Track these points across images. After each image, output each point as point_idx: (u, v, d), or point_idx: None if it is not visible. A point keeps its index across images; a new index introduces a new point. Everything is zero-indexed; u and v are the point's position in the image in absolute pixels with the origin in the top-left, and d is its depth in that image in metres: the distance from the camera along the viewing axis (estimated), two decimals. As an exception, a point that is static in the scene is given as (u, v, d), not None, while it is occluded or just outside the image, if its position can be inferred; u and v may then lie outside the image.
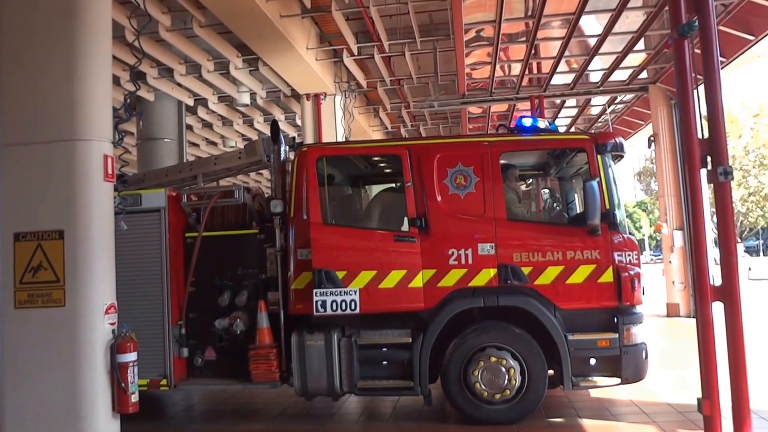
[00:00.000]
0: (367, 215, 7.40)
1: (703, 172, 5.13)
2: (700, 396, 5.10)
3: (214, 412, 7.88)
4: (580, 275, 6.30)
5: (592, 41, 12.16)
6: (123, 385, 5.42)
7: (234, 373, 6.88)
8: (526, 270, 6.34)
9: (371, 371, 6.53)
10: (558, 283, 6.31)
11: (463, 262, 6.37)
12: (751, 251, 58.21)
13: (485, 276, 6.35)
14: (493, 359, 6.25)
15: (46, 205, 5.48)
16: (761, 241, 67.44)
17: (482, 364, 6.26)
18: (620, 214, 6.51)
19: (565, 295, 6.32)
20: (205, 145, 19.35)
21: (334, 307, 6.35)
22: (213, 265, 6.99)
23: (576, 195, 7.37)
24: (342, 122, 14.11)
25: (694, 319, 5.25)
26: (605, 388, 6.54)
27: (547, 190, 7.90)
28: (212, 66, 12.67)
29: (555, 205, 7.30)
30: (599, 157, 6.43)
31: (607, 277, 6.26)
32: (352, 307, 6.35)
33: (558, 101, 16.48)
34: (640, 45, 12.35)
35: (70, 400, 5.30)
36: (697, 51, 5.16)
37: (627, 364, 6.20)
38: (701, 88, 5.13)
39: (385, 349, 6.52)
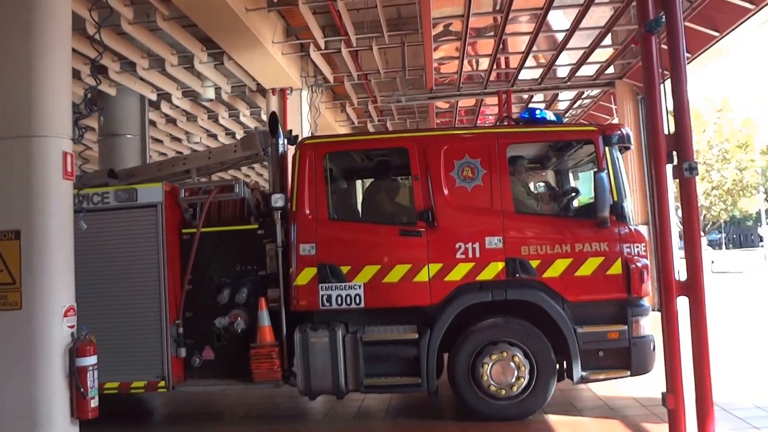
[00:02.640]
0: (371, 209, 7.22)
1: (669, 168, 5.17)
2: (664, 390, 5.15)
3: (189, 414, 7.75)
4: (588, 267, 6.25)
5: (560, 36, 12.20)
6: (82, 390, 5.30)
7: (233, 373, 6.71)
8: (534, 263, 6.27)
9: (377, 368, 6.40)
10: (566, 275, 6.25)
11: (470, 255, 6.29)
12: (714, 245, 59.56)
13: (493, 270, 6.28)
14: (503, 354, 6.20)
15: (1, 205, 5.35)
16: (724, 235, 68.99)
17: (491, 360, 6.20)
18: (628, 206, 6.49)
19: (573, 287, 6.26)
20: (169, 141, 19.06)
21: (339, 302, 6.35)
22: (211, 261, 6.83)
23: (583, 187, 7.39)
24: (308, 117, 14.00)
25: (659, 313, 5.28)
26: (613, 380, 6.47)
27: (554, 183, 7.87)
28: (176, 60, 12.45)
29: (562, 197, 7.30)
30: (607, 148, 6.39)
31: (616, 269, 6.21)
32: (357, 301, 6.34)
33: (526, 96, 16.53)
34: (608, 40, 12.42)
35: (27, 406, 5.18)
36: (664, 47, 5.18)
37: (636, 356, 6.16)
38: (667, 83, 5.15)
39: (391, 345, 6.39)
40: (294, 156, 6.73)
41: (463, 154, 6.49)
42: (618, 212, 6.25)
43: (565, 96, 17.18)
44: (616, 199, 6.24)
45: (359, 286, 6.35)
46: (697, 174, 5.07)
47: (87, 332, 5.46)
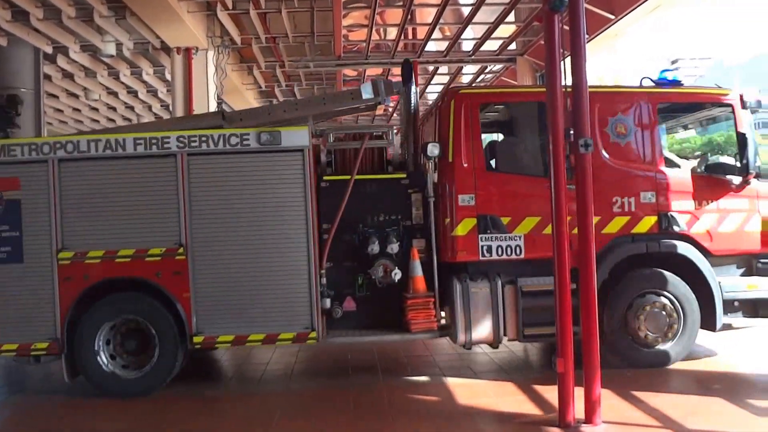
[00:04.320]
0: (528, 162, 7.12)
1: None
2: (555, 354, 5.37)
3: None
4: (731, 223, 6.75)
5: (466, 10, 12.35)
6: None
7: (376, 324, 6.68)
8: (683, 219, 6.65)
9: (534, 318, 6.49)
10: (711, 230, 6.71)
11: (626, 209, 6.63)
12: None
13: (647, 223, 6.66)
14: (656, 304, 6.57)
15: None
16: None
17: (646, 310, 6.57)
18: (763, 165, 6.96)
19: (717, 241, 6.72)
20: (65, 96, 17.96)
21: (500, 252, 6.51)
22: (354, 210, 6.66)
23: (721, 147, 7.67)
24: (214, 79, 13.56)
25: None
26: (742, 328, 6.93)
27: (698, 142, 8.22)
28: (74, 12, 11.69)
29: (706, 156, 7.60)
30: (743, 111, 6.78)
31: (755, 224, 6.74)
32: (518, 252, 6.53)
33: (431, 68, 16.67)
34: (511, 17, 12.67)
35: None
36: (565, 27, 5.33)
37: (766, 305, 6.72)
38: (567, 62, 5.31)
39: (549, 295, 6.22)
40: (448, 106, 6.72)
41: (615, 112, 6.75)
42: (757, 171, 6.73)
43: (469, 70, 17.44)
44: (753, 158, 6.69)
45: (519, 237, 6.54)
46: (592, 150, 5.26)
47: None
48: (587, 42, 5.33)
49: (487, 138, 7.20)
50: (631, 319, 6.61)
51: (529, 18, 12.59)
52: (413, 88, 7.11)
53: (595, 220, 6.38)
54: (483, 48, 14.67)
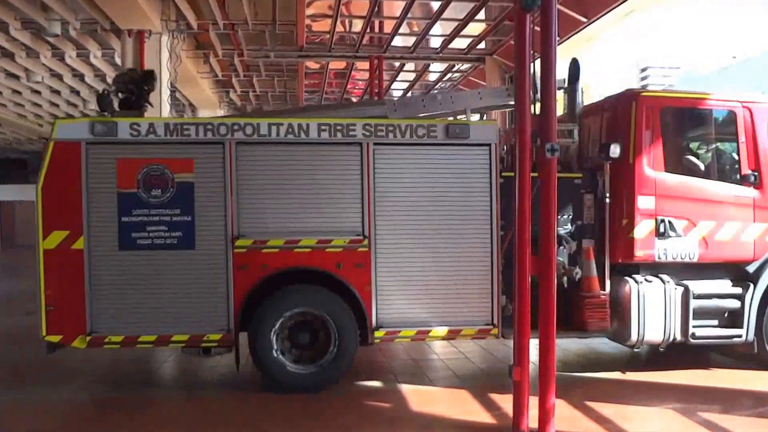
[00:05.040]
0: (702, 167, 7.26)
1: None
2: (511, 363, 5.28)
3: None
4: None
5: (436, 5, 12.19)
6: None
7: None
8: None
9: (702, 320, 6.76)
10: None
11: None
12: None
13: None
14: None
15: None
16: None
17: None
18: None
19: None
20: (3, 77, 17.14)
21: (675, 256, 6.75)
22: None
23: None
24: (168, 65, 13.10)
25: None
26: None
27: None
28: (15, -16, 11.14)
29: None
30: None
31: None
32: (691, 256, 6.79)
33: (397, 64, 16.51)
34: (481, 15, 12.58)
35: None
36: (536, 28, 5.20)
37: None
38: (536, 64, 5.19)
39: (716, 298, 6.81)
40: (628, 108, 6.83)
41: None
42: None
43: (436, 68, 17.34)
44: None
45: (695, 241, 6.74)
46: (559, 155, 5.17)
47: None
48: (558, 44, 5.22)
49: (668, 141, 7.21)
50: None
51: (499, 16, 12.52)
52: (579, 87, 7.19)
53: (763, 226, 6.93)
54: (451, 46, 14.55)
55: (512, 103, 7.05)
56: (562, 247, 6.75)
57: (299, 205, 6.27)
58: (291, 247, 6.22)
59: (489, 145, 6.46)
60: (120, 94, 6.73)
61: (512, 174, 6.01)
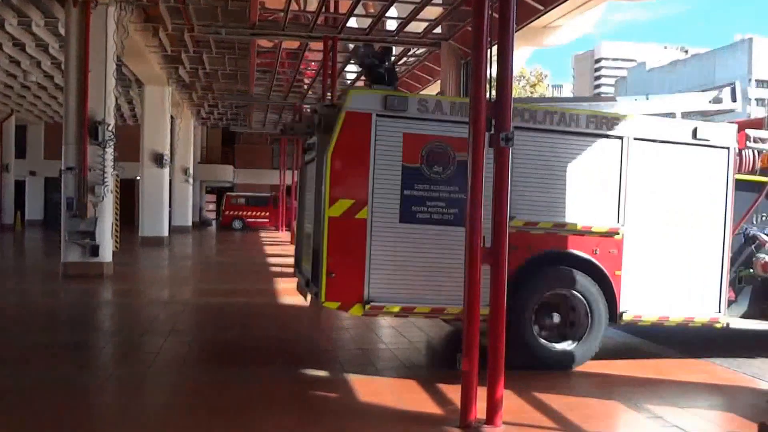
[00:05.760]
0: None
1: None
2: (460, 353, 5.21)
3: None
4: None
5: (393, -14, 12.03)
6: None
7: (750, 314, 7.46)
8: None
9: None
10: None
11: None
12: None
13: None
14: None
15: None
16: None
17: None
18: None
19: None
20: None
21: None
22: (740, 209, 7.23)
23: None
24: (114, 37, 12.63)
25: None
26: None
27: None
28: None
29: None
30: None
31: None
32: None
33: (351, 45, 16.26)
34: (438, -1, 12.49)
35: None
36: (494, 15, 5.10)
37: None
38: (493, 51, 5.10)
39: None
40: None
41: None
42: None
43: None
44: None
45: None
46: (513, 144, 5.09)
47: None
48: (515, 31, 5.14)
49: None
50: None
51: (457, 1, 12.38)
52: None
53: None
54: (407, 29, 14.39)
55: (710, 109, 7.94)
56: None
57: (564, 192, 6.60)
58: (557, 231, 6.56)
59: (728, 148, 6.95)
60: (368, 69, 6.76)
61: (748, 178, 7.42)
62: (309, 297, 6.88)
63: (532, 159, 6.49)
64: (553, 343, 6.67)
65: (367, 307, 6.16)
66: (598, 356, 6.92)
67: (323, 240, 6.05)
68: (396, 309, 6.29)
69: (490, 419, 4.97)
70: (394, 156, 6.22)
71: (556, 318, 6.70)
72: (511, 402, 5.36)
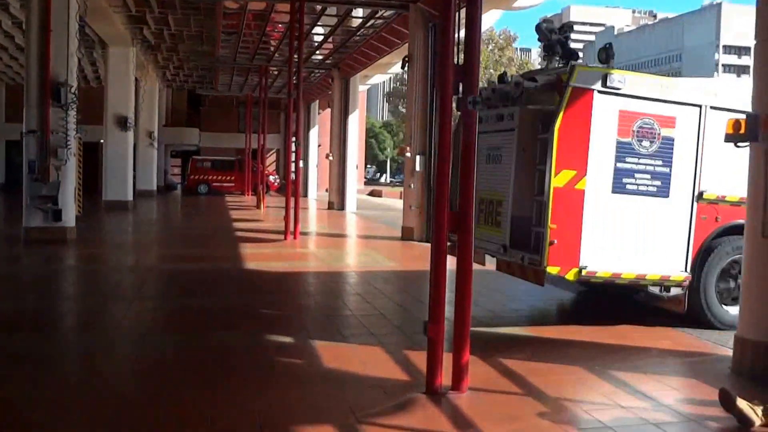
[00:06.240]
0: None
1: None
2: (426, 319, 5.20)
3: None
4: None
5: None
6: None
7: None
8: None
9: None
10: None
11: None
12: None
13: None
14: None
15: None
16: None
17: None
18: None
19: None
20: None
21: None
22: None
23: None
24: (77, -5, 12.20)
25: (429, 244, 5.28)
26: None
27: None
28: None
29: None
30: None
31: None
32: None
33: (318, 7, 15.95)
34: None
35: None
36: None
37: None
38: (462, 13, 5.00)
39: None
40: None
41: None
42: None
43: (358, 13, 16.87)
44: None
45: None
46: (480, 108, 5.03)
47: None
48: (484, -6, 5.04)
49: None
50: None
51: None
52: None
53: None
54: (375, -10, 14.13)
55: None
56: None
57: (733, 167, 6.59)
58: (741, 203, 6.51)
59: None
60: (557, 44, 6.96)
61: None
62: (495, 262, 7.31)
63: (720, 137, 6.63)
64: (728, 308, 7.13)
65: (584, 272, 6.51)
66: (564, 321, 6.98)
67: (547, 209, 6.36)
68: (607, 275, 6.66)
69: (456, 385, 4.98)
70: (609, 131, 6.59)
71: (732, 284, 7.14)
72: (476, 368, 5.35)
